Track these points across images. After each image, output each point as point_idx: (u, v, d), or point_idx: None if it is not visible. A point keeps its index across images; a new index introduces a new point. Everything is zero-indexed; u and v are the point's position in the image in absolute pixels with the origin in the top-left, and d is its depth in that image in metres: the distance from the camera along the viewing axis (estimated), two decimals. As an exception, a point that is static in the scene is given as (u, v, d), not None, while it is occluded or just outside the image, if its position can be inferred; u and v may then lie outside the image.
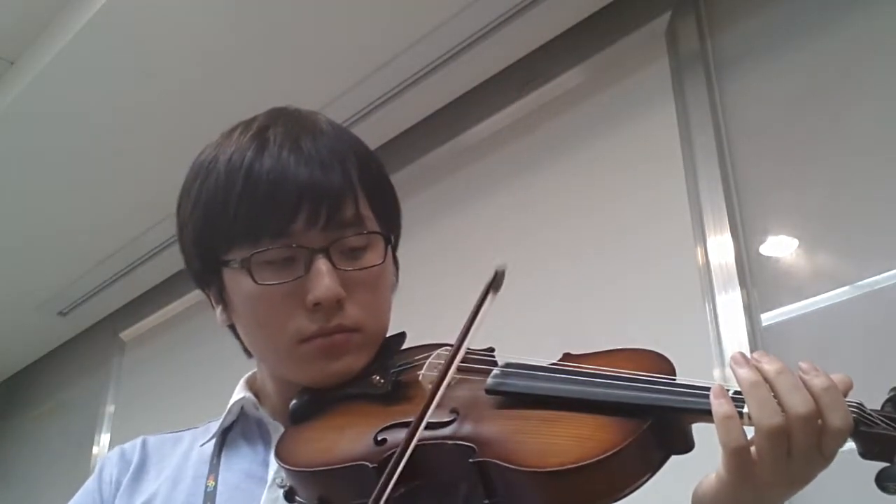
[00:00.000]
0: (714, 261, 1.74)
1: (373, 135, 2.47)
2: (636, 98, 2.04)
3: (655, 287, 1.83)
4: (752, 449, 0.66)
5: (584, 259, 2.00)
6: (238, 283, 0.86)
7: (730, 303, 1.69)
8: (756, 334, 1.64)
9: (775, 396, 0.65)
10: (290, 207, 0.83)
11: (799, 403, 0.64)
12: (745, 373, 0.67)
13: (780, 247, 1.71)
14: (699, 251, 1.78)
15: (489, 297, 0.71)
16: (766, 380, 0.66)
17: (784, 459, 0.65)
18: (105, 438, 3.42)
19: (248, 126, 0.90)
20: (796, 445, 0.64)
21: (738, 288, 1.69)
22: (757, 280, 1.70)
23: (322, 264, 0.83)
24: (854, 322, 1.55)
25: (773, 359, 0.68)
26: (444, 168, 2.45)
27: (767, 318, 1.65)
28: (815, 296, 1.61)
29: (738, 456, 0.66)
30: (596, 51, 2.14)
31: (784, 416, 0.64)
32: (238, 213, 0.84)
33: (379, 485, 0.65)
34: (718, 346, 1.66)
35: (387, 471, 0.66)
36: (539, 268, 2.05)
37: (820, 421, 0.64)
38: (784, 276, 1.68)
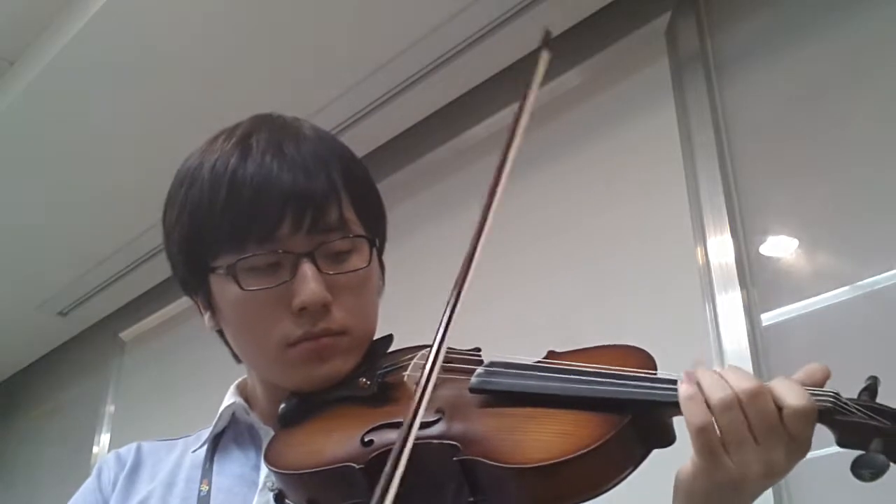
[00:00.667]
0: (714, 261, 1.74)
1: (372, 135, 2.48)
2: (636, 98, 2.04)
3: (655, 287, 1.83)
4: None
5: (584, 259, 2.00)
6: (224, 289, 0.86)
7: (730, 303, 1.69)
8: (756, 334, 1.64)
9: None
10: (275, 213, 0.83)
11: (741, 378, 0.67)
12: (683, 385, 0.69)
13: (780, 247, 1.71)
14: (699, 251, 1.78)
15: (543, 57, 0.75)
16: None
17: (749, 441, 0.66)
18: (105, 438, 3.42)
19: (232, 133, 0.90)
20: (756, 425, 0.66)
21: (738, 288, 1.69)
22: (757, 280, 1.70)
23: (307, 269, 0.84)
24: (854, 322, 1.55)
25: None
26: (444, 168, 2.45)
27: (767, 318, 1.65)
28: (815, 296, 1.61)
29: (703, 435, 0.67)
30: (596, 51, 2.14)
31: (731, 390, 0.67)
32: (223, 219, 0.84)
33: (379, 489, 0.65)
34: (718, 346, 1.66)
35: (384, 475, 0.65)
36: (539, 268, 2.05)
37: (776, 402, 0.66)
38: (784, 276, 1.68)
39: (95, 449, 3.42)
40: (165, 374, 3.26)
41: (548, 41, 0.75)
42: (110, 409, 3.48)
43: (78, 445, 3.51)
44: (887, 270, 1.52)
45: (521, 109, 0.76)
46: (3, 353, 4.02)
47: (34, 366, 4.11)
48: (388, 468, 0.65)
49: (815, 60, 1.76)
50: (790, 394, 0.66)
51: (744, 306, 1.66)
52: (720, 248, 1.74)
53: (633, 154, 2.00)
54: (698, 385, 0.68)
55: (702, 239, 1.78)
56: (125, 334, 3.56)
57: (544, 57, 0.77)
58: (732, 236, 1.73)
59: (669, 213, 1.85)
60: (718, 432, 0.67)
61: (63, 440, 3.68)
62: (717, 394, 0.67)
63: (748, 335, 1.63)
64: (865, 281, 1.55)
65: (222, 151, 0.87)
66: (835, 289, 1.59)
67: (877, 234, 1.57)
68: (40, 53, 2.36)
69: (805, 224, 1.69)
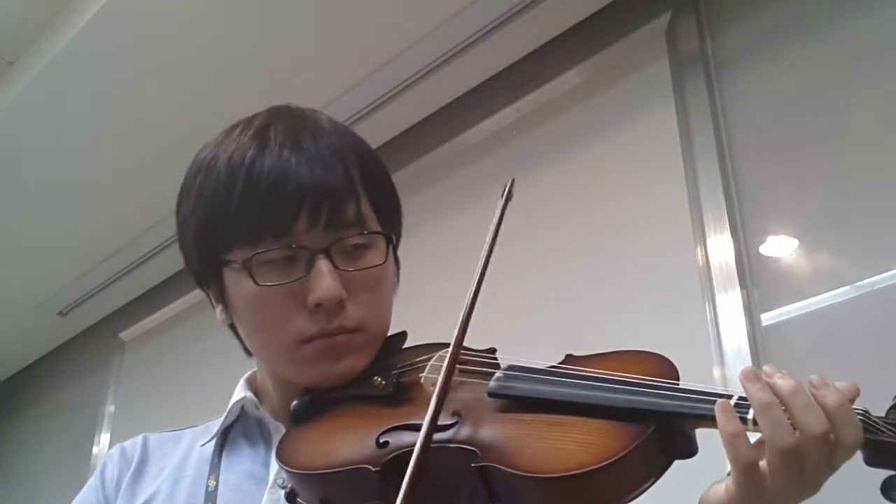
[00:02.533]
0: (714, 261, 1.74)
1: (373, 135, 2.47)
2: (636, 98, 2.04)
3: (655, 287, 1.83)
4: (762, 463, 0.65)
5: (584, 259, 2.00)
6: (239, 283, 0.85)
7: (730, 303, 1.69)
8: (756, 334, 1.64)
9: (788, 415, 0.64)
10: (292, 207, 0.82)
11: (814, 424, 0.63)
12: (757, 392, 0.65)
13: (780, 247, 1.71)
14: (699, 251, 1.78)
15: (506, 207, 0.76)
16: (778, 398, 0.65)
17: (796, 474, 0.64)
18: (105, 438, 3.42)
19: (249, 124, 0.89)
20: (809, 462, 0.64)
21: (738, 288, 1.69)
22: (757, 280, 1.70)
23: (323, 265, 0.83)
24: (854, 322, 1.55)
25: (785, 375, 0.66)
26: (444, 168, 2.45)
27: (767, 318, 1.65)
28: (815, 296, 1.61)
29: (748, 471, 0.65)
30: (596, 51, 2.14)
31: (797, 435, 0.64)
32: (239, 212, 0.83)
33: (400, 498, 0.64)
34: (718, 346, 1.66)
35: (405, 484, 0.65)
36: (539, 268, 2.05)
37: (832, 436, 0.64)
38: (784, 276, 1.68)
39: (95, 449, 3.42)
40: (165, 374, 3.26)
41: (510, 194, 0.81)
42: (110, 409, 3.48)
43: (78, 445, 3.51)
44: (887, 270, 1.52)
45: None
46: (3, 353, 4.02)
47: (34, 366, 4.11)
48: (405, 482, 0.64)
49: (815, 60, 1.76)
50: (849, 433, 0.64)
51: (744, 306, 1.66)
52: (720, 248, 1.74)
53: (633, 154, 2.00)
54: (745, 408, 0.65)
55: (702, 239, 1.78)
56: (125, 334, 3.56)
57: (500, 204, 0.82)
58: (732, 236, 1.73)
59: (669, 213, 1.85)
60: (763, 465, 0.65)
61: (63, 440, 3.67)
62: (780, 441, 0.64)
63: (748, 335, 1.63)
64: (865, 281, 1.55)
65: (239, 143, 0.86)
66: (835, 289, 1.59)
67: (877, 234, 1.57)
68: (40, 53, 2.36)
69: (805, 224, 1.69)
